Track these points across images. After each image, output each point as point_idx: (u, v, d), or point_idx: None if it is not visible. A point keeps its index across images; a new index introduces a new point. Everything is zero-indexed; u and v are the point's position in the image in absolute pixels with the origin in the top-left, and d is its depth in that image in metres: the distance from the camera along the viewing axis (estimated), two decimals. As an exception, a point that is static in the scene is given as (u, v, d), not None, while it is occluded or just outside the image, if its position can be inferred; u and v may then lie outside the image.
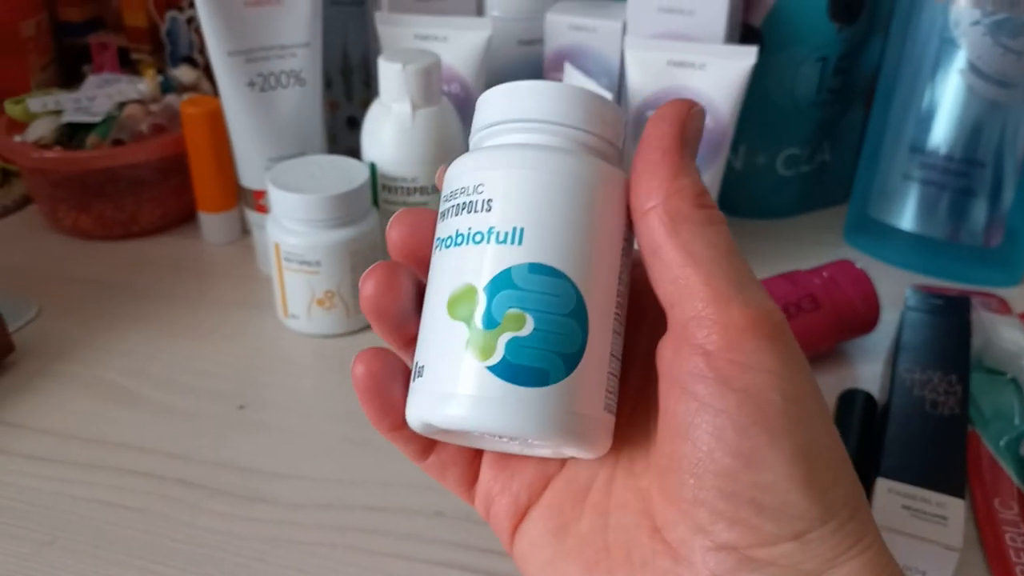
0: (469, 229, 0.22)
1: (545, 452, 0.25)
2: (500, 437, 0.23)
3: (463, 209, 0.23)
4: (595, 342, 0.22)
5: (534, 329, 0.21)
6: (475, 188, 0.23)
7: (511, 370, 0.21)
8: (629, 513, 0.23)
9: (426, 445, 0.26)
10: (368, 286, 0.24)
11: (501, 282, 0.22)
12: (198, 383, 0.49)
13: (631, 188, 0.23)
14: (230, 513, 0.41)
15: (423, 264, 0.24)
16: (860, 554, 0.20)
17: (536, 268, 0.22)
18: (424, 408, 0.22)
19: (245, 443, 0.45)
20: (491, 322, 0.21)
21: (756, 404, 0.20)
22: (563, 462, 0.25)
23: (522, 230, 0.22)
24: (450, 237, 0.23)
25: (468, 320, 0.22)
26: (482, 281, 0.22)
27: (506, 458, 0.26)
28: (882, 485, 0.37)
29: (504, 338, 0.21)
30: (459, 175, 0.23)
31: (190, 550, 0.39)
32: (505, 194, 0.22)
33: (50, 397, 0.48)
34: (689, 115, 0.23)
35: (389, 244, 0.25)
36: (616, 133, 0.24)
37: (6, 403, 0.47)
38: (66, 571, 0.38)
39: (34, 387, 0.49)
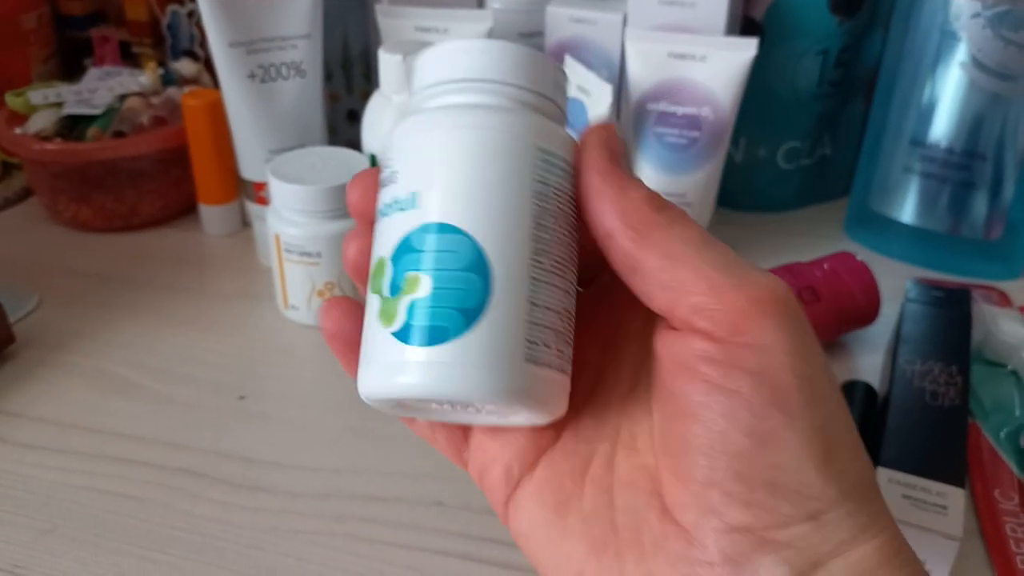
0: (383, 203, 0.23)
1: (493, 419, 0.24)
2: (431, 403, 0.23)
3: (383, 185, 0.24)
4: (504, 292, 0.22)
5: (432, 289, 0.21)
6: (386, 162, 0.24)
7: (410, 332, 0.21)
8: (637, 493, 0.23)
9: None
10: (351, 247, 0.25)
11: (402, 249, 0.22)
12: (198, 374, 0.49)
13: (587, 219, 0.23)
14: (230, 502, 0.41)
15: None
16: (875, 536, 0.20)
17: (430, 228, 0.22)
18: (360, 383, 0.23)
19: (245, 433, 0.45)
20: (394, 289, 0.22)
21: (771, 385, 0.20)
22: (557, 433, 0.25)
23: (416, 194, 0.22)
24: (377, 212, 0.24)
25: (379, 292, 0.22)
26: (388, 252, 0.22)
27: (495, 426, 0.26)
28: (882, 475, 0.37)
29: (404, 302, 0.22)
30: (384, 152, 0.25)
31: (190, 539, 0.39)
32: (405, 163, 0.23)
33: (50, 387, 0.48)
34: (611, 136, 0.23)
35: (349, 205, 0.25)
36: (539, 82, 0.24)
37: (6, 393, 0.47)
38: (66, 559, 0.38)
39: (34, 377, 0.49)
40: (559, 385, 0.23)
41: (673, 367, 0.21)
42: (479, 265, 0.22)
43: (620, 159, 0.23)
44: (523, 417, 0.23)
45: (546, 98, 0.24)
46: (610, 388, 0.25)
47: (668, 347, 0.22)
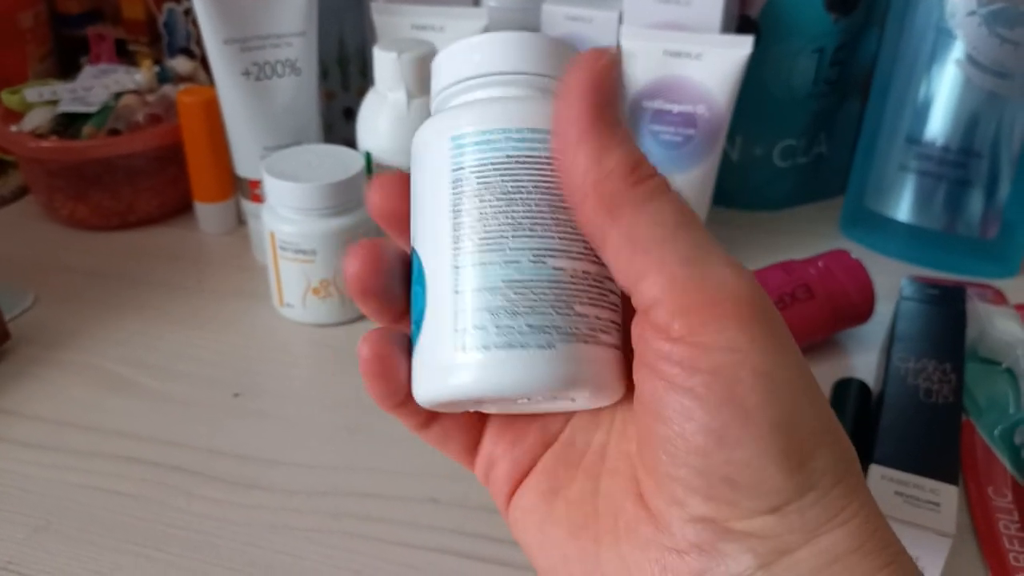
0: None
1: (554, 405, 0.24)
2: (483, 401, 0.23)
3: None
4: (432, 293, 0.22)
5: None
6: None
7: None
8: (619, 479, 0.23)
9: (428, 416, 0.26)
10: (352, 265, 0.24)
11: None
12: (194, 371, 0.49)
13: (559, 173, 0.21)
14: (226, 500, 0.41)
15: (405, 228, 0.25)
16: (845, 523, 0.20)
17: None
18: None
19: (240, 430, 0.45)
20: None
21: (725, 383, 0.19)
22: (564, 424, 0.25)
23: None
24: None
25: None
26: None
27: (508, 425, 0.26)
28: (875, 472, 0.37)
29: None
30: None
31: (185, 536, 0.39)
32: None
33: (46, 385, 0.48)
34: (600, 74, 0.20)
35: (369, 207, 0.25)
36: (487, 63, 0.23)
37: (2, 390, 0.47)
38: (61, 556, 0.38)
39: (30, 375, 0.49)
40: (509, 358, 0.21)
41: (638, 364, 0.21)
42: (420, 275, 0.23)
43: (606, 109, 0.20)
44: (578, 397, 0.23)
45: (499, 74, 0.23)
46: None
47: (634, 339, 0.21)
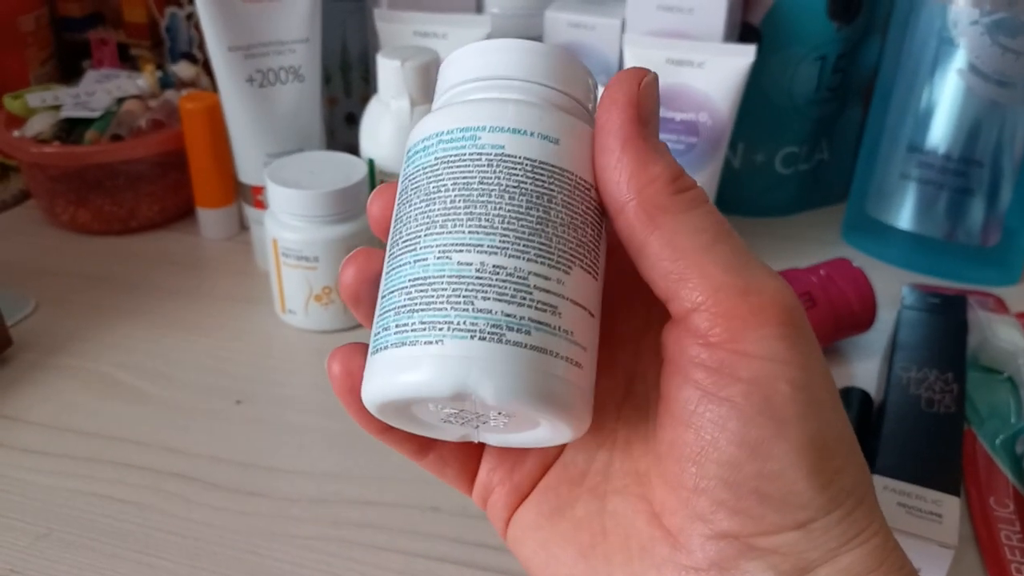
0: None
1: (504, 435, 0.23)
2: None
3: None
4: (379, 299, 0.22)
5: None
6: None
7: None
8: (627, 498, 0.23)
9: (424, 443, 0.25)
10: (346, 273, 0.23)
11: None
12: (195, 378, 0.49)
13: (599, 185, 0.21)
14: (226, 507, 0.41)
15: None
16: (865, 542, 0.20)
17: None
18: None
19: (242, 438, 0.45)
20: None
21: (763, 394, 0.19)
22: (561, 446, 0.25)
23: None
24: None
25: None
26: None
27: (507, 450, 0.26)
28: (878, 482, 0.37)
29: None
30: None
31: (186, 543, 0.39)
32: None
33: (47, 391, 0.48)
34: (642, 91, 0.21)
35: (370, 219, 0.24)
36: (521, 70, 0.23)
37: (3, 396, 0.47)
38: (62, 563, 0.38)
39: (31, 380, 0.49)
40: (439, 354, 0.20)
41: (669, 370, 0.21)
42: None
43: (646, 123, 0.21)
44: (540, 431, 0.22)
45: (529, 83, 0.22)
46: (607, 393, 0.25)
47: (670, 353, 0.21)
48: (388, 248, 0.22)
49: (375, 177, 0.54)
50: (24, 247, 0.62)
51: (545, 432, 0.22)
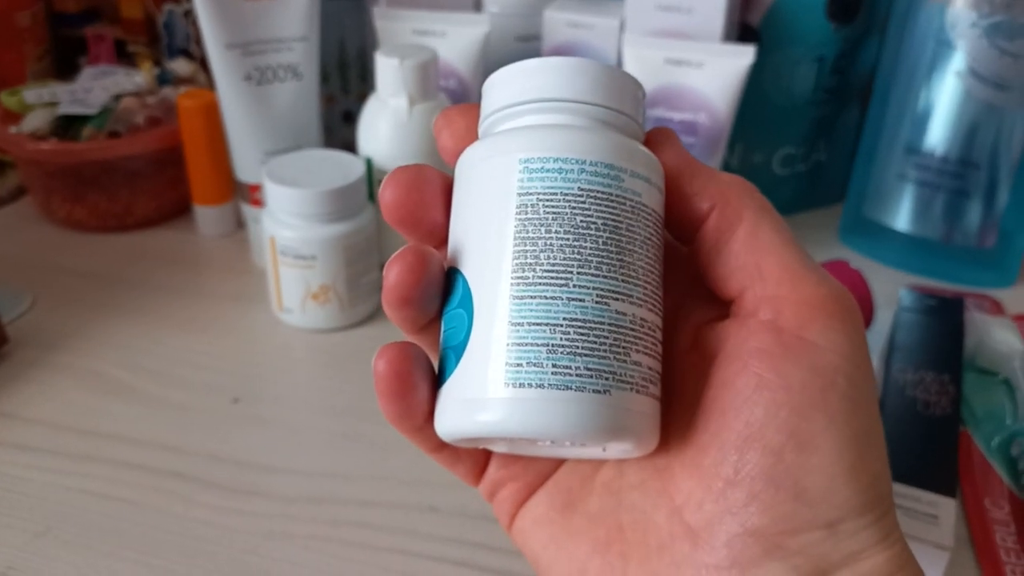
0: None
1: (577, 452, 0.23)
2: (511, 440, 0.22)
3: None
4: (480, 318, 0.21)
5: (442, 331, 0.22)
6: None
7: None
8: (646, 494, 0.23)
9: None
10: (396, 272, 0.22)
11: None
12: (192, 376, 0.49)
13: (682, 202, 0.23)
14: (224, 506, 0.41)
15: (421, 228, 0.23)
16: (886, 549, 0.20)
17: (447, 270, 0.23)
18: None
19: (239, 436, 0.45)
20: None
21: (820, 385, 0.20)
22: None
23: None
24: None
25: None
26: None
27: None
28: (874, 484, 0.37)
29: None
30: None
31: (183, 542, 0.39)
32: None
33: (44, 388, 0.48)
34: (674, 134, 0.24)
35: (383, 205, 0.23)
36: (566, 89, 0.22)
37: (0, 394, 0.47)
38: (59, 562, 0.38)
39: (28, 378, 0.48)
40: (562, 399, 0.20)
41: (726, 359, 0.21)
42: (465, 298, 0.21)
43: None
44: (611, 448, 0.22)
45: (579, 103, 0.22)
46: None
47: (730, 342, 0.22)
48: (509, 265, 0.21)
49: (373, 175, 0.54)
50: (20, 243, 0.62)
51: (613, 453, 0.23)
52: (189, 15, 0.71)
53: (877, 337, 0.51)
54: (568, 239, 0.21)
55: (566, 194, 0.21)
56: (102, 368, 0.50)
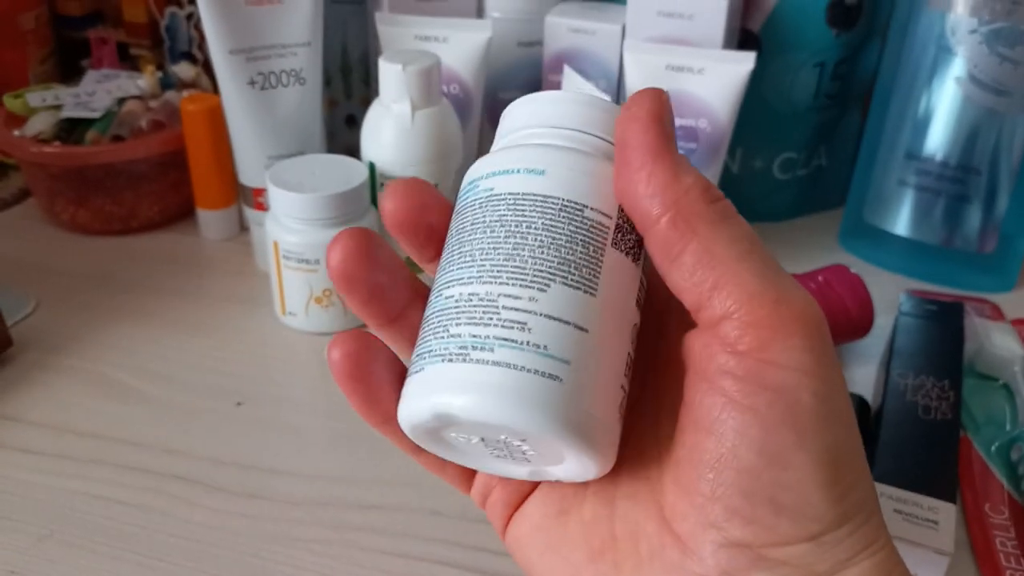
0: None
1: (531, 467, 0.24)
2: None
3: None
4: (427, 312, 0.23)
5: None
6: None
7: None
8: (638, 503, 0.23)
9: None
10: (335, 253, 0.23)
11: None
12: (196, 379, 0.49)
13: (627, 200, 0.22)
14: (227, 509, 0.41)
15: (422, 234, 0.24)
16: (872, 556, 0.20)
17: None
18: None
19: (243, 439, 0.45)
20: None
21: (786, 403, 0.20)
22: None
23: None
24: None
25: None
26: None
27: None
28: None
29: None
30: None
31: (187, 545, 0.39)
32: None
33: (47, 391, 0.48)
34: (662, 106, 0.22)
35: (384, 215, 0.24)
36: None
37: (3, 397, 0.47)
38: (63, 565, 0.38)
39: (31, 381, 0.49)
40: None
41: (694, 377, 0.21)
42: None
43: (671, 138, 0.22)
44: (565, 466, 0.22)
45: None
46: None
47: (695, 360, 0.21)
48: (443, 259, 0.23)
49: (376, 180, 0.54)
50: (24, 246, 0.62)
51: (571, 465, 0.22)
52: (192, 18, 0.71)
53: (877, 342, 0.52)
54: (449, 243, 0.23)
55: (475, 200, 0.23)
56: (105, 371, 0.50)
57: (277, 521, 0.40)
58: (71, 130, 0.61)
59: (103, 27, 0.77)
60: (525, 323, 0.21)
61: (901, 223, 0.60)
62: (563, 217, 0.22)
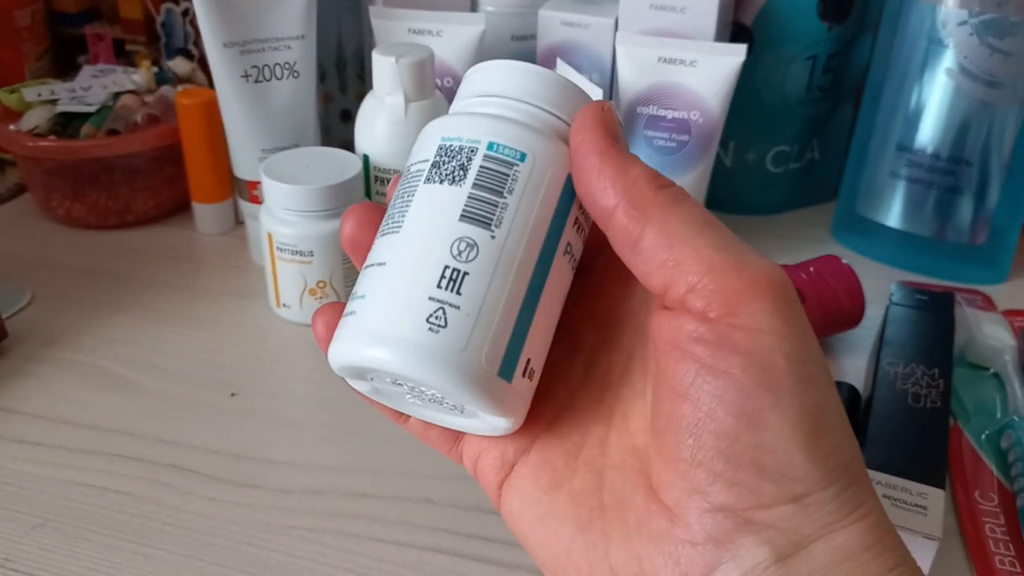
0: None
1: (451, 418, 0.25)
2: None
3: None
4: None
5: None
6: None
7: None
8: (625, 473, 0.23)
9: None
10: (348, 223, 0.26)
11: None
12: (190, 370, 0.50)
13: (585, 199, 0.23)
14: (221, 498, 0.41)
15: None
16: (860, 520, 0.20)
17: None
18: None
19: (236, 430, 0.45)
20: None
21: (760, 366, 0.20)
22: (553, 417, 0.25)
23: None
24: None
25: None
26: None
27: None
28: (863, 475, 0.37)
29: None
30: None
31: (181, 534, 0.39)
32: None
33: (43, 383, 0.48)
34: (605, 115, 0.23)
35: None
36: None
37: (-1, 389, 0.48)
38: (57, 554, 0.38)
39: (27, 373, 0.49)
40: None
41: (665, 347, 0.22)
42: None
43: (618, 138, 0.23)
44: (480, 421, 0.24)
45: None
46: (605, 370, 0.25)
47: (661, 327, 0.22)
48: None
49: (370, 173, 0.54)
50: (20, 240, 0.62)
51: (475, 419, 0.24)
52: (187, 14, 0.71)
53: (868, 332, 0.52)
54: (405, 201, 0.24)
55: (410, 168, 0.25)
56: (100, 363, 0.50)
57: (270, 510, 0.40)
58: (66, 125, 0.61)
59: (99, 23, 0.78)
60: (377, 274, 0.24)
61: (893, 215, 0.60)
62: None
